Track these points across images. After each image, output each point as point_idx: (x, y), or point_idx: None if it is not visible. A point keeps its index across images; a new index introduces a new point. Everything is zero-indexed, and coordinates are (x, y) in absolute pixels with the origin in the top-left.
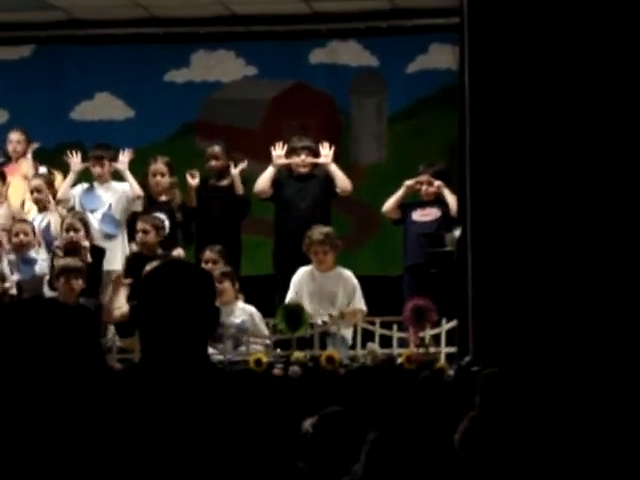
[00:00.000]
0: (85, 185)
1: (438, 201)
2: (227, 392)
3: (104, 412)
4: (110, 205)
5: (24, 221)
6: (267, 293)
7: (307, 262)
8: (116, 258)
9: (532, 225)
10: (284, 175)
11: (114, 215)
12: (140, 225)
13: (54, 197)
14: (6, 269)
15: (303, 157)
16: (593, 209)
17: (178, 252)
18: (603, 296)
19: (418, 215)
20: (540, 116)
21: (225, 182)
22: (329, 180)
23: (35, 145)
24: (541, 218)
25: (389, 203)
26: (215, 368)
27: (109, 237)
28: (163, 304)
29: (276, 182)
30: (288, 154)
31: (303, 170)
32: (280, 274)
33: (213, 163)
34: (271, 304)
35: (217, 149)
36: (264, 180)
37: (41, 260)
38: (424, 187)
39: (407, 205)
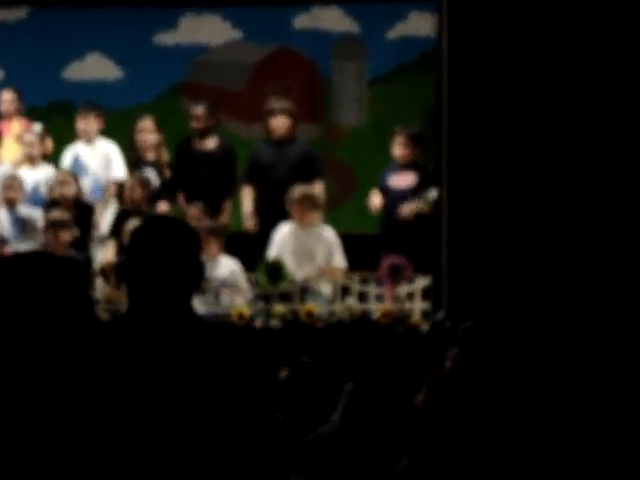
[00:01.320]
0: (71, 153)
1: (413, 165)
2: (210, 343)
3: (91, 361)
4: (97, 176)
5: (12, 177)
6: (250, 249)
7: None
8: (106, 222)
9: (507, 185)
10: (262, 144)
11: (101, 183)
12: (127, 182)
13: (45, 154)
14: (6, 231)
15: (280, 119)
16: (567, 170)
17: (162, 206)
18: (576, 256)
19: (394, 181)
20: (517, 81)
21: (210, 144)
22: (311, 150)
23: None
24: (515, 179)
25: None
26: (200, 320)
27: (91, 207)
28: (149, 258)
29: (256, 156)
30: (266, 115)
31: (281, 132)
32: (262, 233)
33: (195, 124)
34: (253, 259)
35: (199, 110)
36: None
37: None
38: (397, 149)
39: (385, 173)
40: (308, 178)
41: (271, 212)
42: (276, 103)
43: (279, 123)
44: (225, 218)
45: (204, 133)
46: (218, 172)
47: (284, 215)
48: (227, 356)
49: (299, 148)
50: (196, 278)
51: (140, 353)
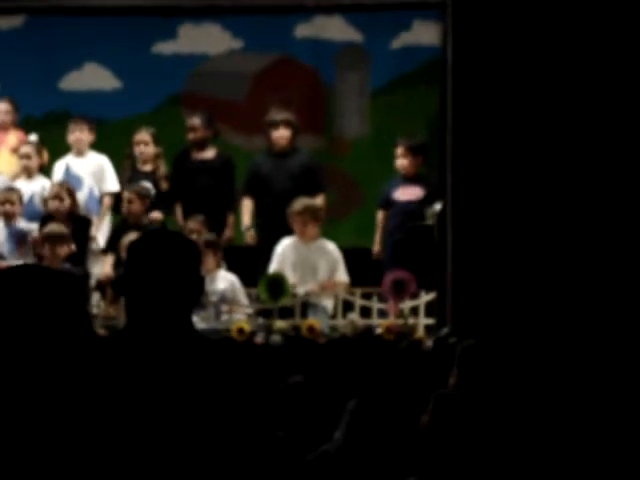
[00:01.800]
0: (63, 165)
1: (419, 178)
2: (210, 360)
3: (89, 377)
4: (91, 189)
5: (10, 189)
6: (251, 263)
7: (289, 234)
8: (103, 235)
9: (512, 199)
10: (262, 155)
11: (95, 195)
12: (125, 195)
13: (41, 166)
14: (2, 246)
15: (281, 131)
16: (573, 182)
17: (155, 214)
18: (583, 269)
19: (400, 194)
20: (522, 91)
21: (208, 154)
22: (312, 160)
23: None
24: (521, 192)
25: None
26: (199, 336)
27: (89, 220)
28: (148, 272)
29: (255, 167)
30: (267, 127)
31: (282, 143)
32: (263, 246)
33: (191, 136)
34: (253, 274)
35: (196, 121)
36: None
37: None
38: (399, 161)
39: (387, 185)
40: (310, 191)
41: (271, 225)
42: (277, 114)
43: (280, 135)
44: (229, 232)
45: (202, 144)
46: (217, 182)
47: (285, 228)
48: (226, 373)
49: (300, 159)
50: (195, 293)
51: (138, 370)
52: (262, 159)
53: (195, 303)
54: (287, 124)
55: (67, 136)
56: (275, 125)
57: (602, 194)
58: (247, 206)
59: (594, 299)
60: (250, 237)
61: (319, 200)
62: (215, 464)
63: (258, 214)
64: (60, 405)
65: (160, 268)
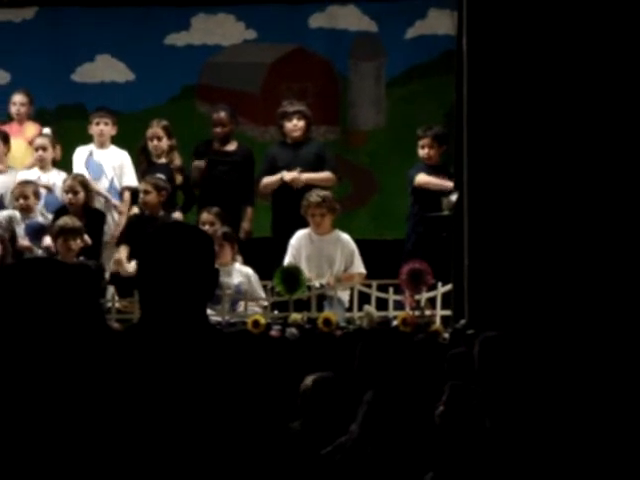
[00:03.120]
0: (86, 151)
1: (443, 167)
2: (225, 353)
3: (103, 372)
4: (112, 178)
5: (25, 183)
6: (266, 255)
7: (305, 226)
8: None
9: (529, 189)
10: (277, 146)
11: (117, 187)
12: (142, 186)
13: (55, 159)
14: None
15: (295, 122)
16: (590, 171)
17: (177, 215)
18: (600, 262)
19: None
20: (539, 80)
21: (230, 147)
22: (325, 148)
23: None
24: (538, 182)
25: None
26: (214, 329)
27: (104, 214)
28: (163, 266)
29: (271, 158)
30: (280, 119)
31: (295, 135)
32: (278, 239)
33: (219, 129)
34: (270, 266)
35: (223, 115)
36: (268, 187)
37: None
38: (425, 150)
39: (412, 172)
40: (318, 170)
41: (287, 216)
42: (290, 106)
43: (294, 126)
44: (247, 225)
45: (226, 138)
46: (238, 175)
47: (300, 219)
48: (242, 367)
49: (313, 149)
50: (210, 286)
51: (153, 363)
52: (277, 150)
53: (210, 296)
54: (300, 115)
55: (88, 128)
56: (288, 117)
57: (620, 182)
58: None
59: (614, 292)
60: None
61: (324, 175)
62: (229, 457)
63: (274, 205)
64: (73, 399)
65: (175, 261)
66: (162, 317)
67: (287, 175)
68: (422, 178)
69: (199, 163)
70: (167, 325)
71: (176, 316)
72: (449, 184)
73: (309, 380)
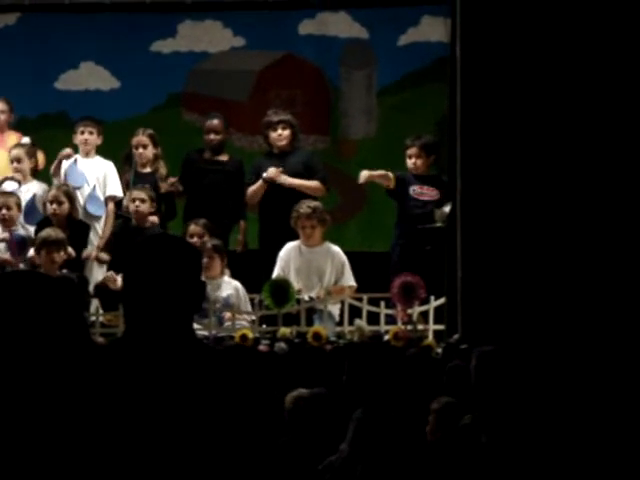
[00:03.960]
0: (70, 160)
1: (432, 178)
2: (211, 368)
3: (87, 386)
4: (95, 186)
5: (7, 194)
6: (254, 268)
7: (293, 238)
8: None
9: (523, 200)
10: (263, 157)
11: (98, 196)
12: (136, 194)
13: (35, 169)
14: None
15: (280, 131)
16: (585, 183)
17: (152, 218)
18: (597, 274)
19: (416, 192)
20: (533, 89)
21: (222, 157)
22: (314, 156)
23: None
24: (531, 193)
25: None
26: (200, 343)
27: (94, 218)
28: (148, 278)
29: (257, 167)
30: (265, 128)
31: (281, 144)
32: (266, 250)
33: (212, 137)
34: (257, 280)
35: (216, 122)
36: (255, 195)
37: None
38: (412, 160)
39: (404, 178)
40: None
41: (275, 228)
42: (275, 115)
43: (279, 136)
44: (241, 237)
45: (219, 147)
46: (229, 185)
47: (289, 231)
48: (228, 382)
49: (301, 158)
50: (197, 299)
51: (138, 378)
52: (263, 161)
53: (196, 310)
54: (285, 124)
55: (73, 137)
56: (273, 126)
57: (615, 194)
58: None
59: (610, 304)
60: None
61: (313, 184)
62: (217, 474)
63: (262, 217)
64: (58, 413)
65: (160, 273)
66: (147, 331)
67: (265, 174)
68: (363, 174)
69: (174, 181)
70: (152, 339)
71: (162, 330)
72: (389, 174)
73: (291, 396)
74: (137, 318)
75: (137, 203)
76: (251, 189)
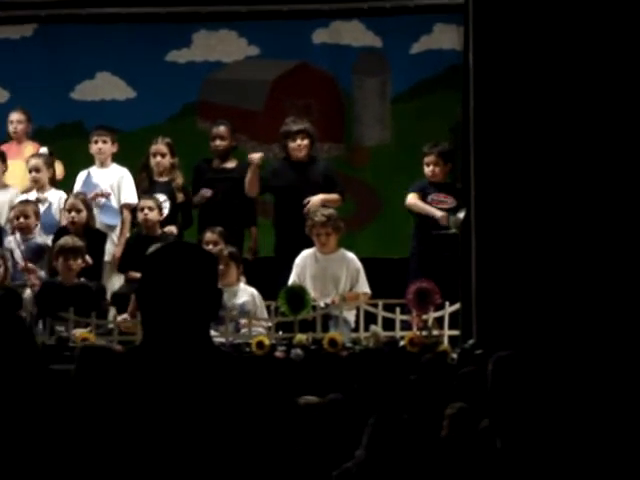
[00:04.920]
0: (84, 173)
1: (449, 186)
2: (229, 375)
3: (106, 394)
4: (109, 195)
5: (25, 202)
6: (269, 276)
7: (308, 246)
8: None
9: (536, 207)
10: (281, 161)
11: (113, 205)
12: (143, 203)
13: (53, 179)
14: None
15: (299, 141)
16: (596, 188)
17: (170, 229)
18: (608, 278)
19: (435, 201)
20: (545, 96)
21: (230, 164)
22: (331, 167)
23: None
24: (545, 199)
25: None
26: (218, 350)
27: (109, 228)
28: (165, 285)
29: (273, 170)
30: (284, 138)
31: (300, 155)
32: (281, 258)
33: (218, 143)
34: (272, 287)
35: (222, 129)
36: (252, 185)
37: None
38: (430, 168)
39: (423, 189)
40: (327, 191)
41: (290, 235)
42: (293, 125)
43: (298, 146)
44: (252, 244)
45: (226, 154)
46: (238, 192)
47: (304, 238)
48: (247, 389)
49: (320, 168)
50: (214, 306)
51: (156, 386)
52: (280, 167)
53: (214, 317)
54: (305, 134)
55: (89, 147)
56: (292, 136)
57: (631, 201)
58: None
59: (626, 310)
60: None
61: (334, 197)
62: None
63: (279, 225)
64: (77, 419)
65: (177, 281)
66: (164, 338)
67: (251, 155)
68: (410, 200)
69: (205, 192)
70: (170, 346)
71: (179, 337)
72: (437, 213)
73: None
74: (154, 325)
75: (145, 211)
76: (246, 180)
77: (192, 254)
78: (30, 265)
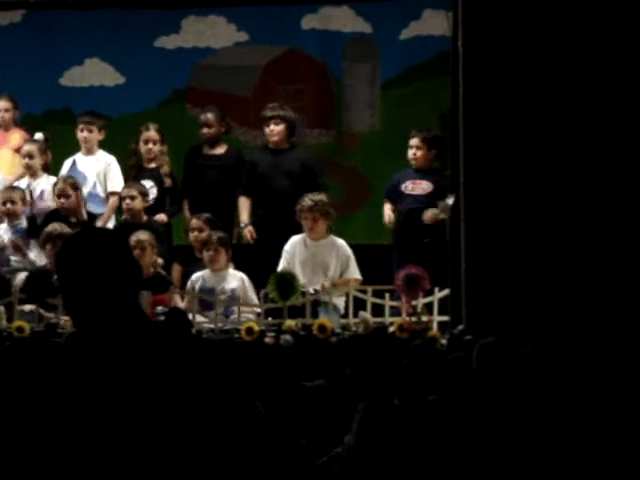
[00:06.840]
0: (70, 161)
1: (430, 171)
2: (164, 346)
3: (50, 383)
4: (95, 183)
5: (12, 189)
6: (250, 262)
7: (295, 231)
8: None
9: (525, 193)
10: (261, 149)
11: (99, 194)
12: (126, 191)
13: (46, 165)
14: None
15: (272, 127)
16: (588, 174)
17: (161, 217)
18: (596, 265)
19: (409, 188)
20: (535, 82)
21: (219, 150)
22: (314, 157)
23: None
24: (534, 185)
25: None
26: (149, 323)
27: (95, 216)
28: (78, 273)
29: (252, 162)
30: (261, 123)
31: (274, 139)
32: (259, 246)
33: (205, 131)
34: (259, 273)
35: (210, 116)
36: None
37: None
38: (412, 151)
39: (398, 181)
40: (309, 190)
41: (269, 223)
42: (269, 111)
43: (271, 131)
44: (237, 229)
45: (214, 141)
46: (227, 178)
47: (284, 226)
48: (180, 357)
49: (297, 156)
50: (132, 280)
51: (95, 368)
52: (259, 156)
53: (136, 290)
54: (279, 119)
55: (76, 134)
56: (266, 121)
57: (617, 186)
58: (244, 203)
59: (613, 297)
60: (249, 233)
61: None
62: (211, 467)
63: (255, 212)
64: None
65: (88, 266)
66: (92, 321)
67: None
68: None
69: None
70: (99, 329)
71: (105, 318)
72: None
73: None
74: (79, 312)
75: (127, 201)
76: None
77: (97, 237)
78: (19, 242)
